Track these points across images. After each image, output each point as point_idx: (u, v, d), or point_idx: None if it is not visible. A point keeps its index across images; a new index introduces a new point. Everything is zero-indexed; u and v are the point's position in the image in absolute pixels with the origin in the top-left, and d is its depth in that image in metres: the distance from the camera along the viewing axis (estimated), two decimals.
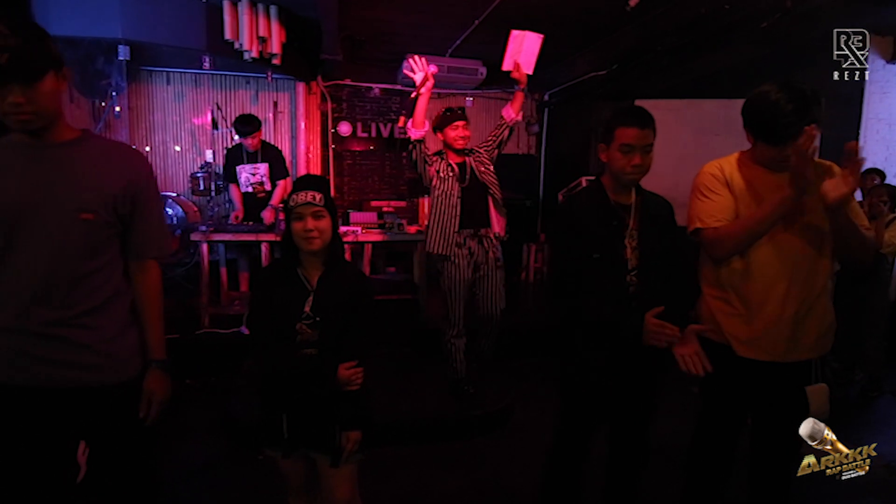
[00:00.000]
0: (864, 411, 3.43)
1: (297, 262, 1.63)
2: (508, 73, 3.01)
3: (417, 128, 2.85)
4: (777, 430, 1.73)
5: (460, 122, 2.91)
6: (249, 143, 4.22)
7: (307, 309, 1.58)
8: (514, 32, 2.96)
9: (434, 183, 2.93)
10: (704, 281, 1.79)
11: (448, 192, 2.90)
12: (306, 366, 1.57)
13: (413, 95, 2.87)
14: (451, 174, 2.91)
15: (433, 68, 2.87)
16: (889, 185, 3.74)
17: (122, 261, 1.43)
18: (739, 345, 1.67)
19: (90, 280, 1.33)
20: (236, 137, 5.44)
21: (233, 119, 5.58)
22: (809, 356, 1.67)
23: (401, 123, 2.99)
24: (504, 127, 3.05)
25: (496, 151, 3.09)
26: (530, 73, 3.00)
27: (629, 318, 1.61)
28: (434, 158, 2.96)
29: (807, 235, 1.62)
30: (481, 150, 3.06)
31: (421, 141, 2.88)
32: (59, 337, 1.30)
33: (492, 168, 3.04)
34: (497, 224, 3.03)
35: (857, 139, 4.72)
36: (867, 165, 4.48)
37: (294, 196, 1.57)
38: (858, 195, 4.04)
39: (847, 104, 4.67)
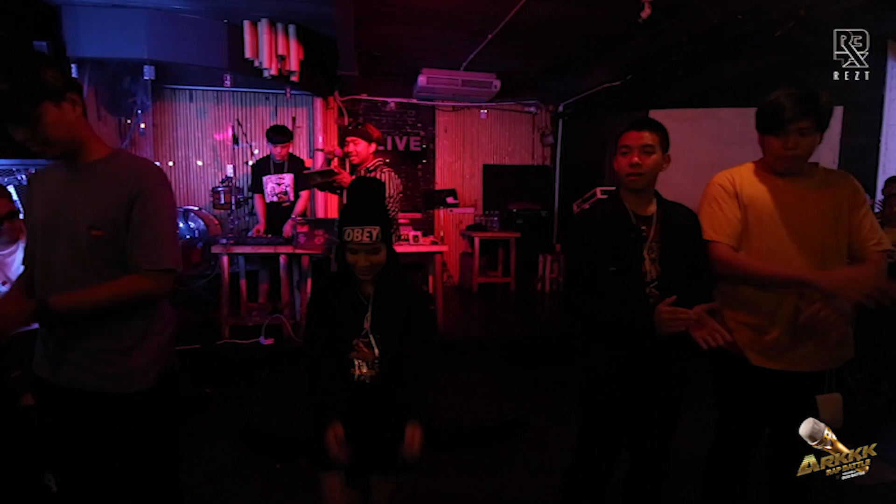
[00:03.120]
0: (890, 422, 3.34)
1: (353, 277, 1.57)
2: (522, 85, 3.20)
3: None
4: (793, 441, 1.71)
5: (349, 138, 3.21)
6: (279, 152, 4.37)
7: (366, 325, 1.55)
8: None
9: None
10: (716, 291, 1.79)
11: None
12: (369, 393, 1.53)
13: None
14: None
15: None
16: None
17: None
18: (753, 354, 1.67)
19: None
20: (256, 151, 5.63)
21: (253, 135, 5.76)
22: (825, 366, 1.65)
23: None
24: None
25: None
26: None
27: (640, 311, 1.58)
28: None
29: (818, 248, 1.63)
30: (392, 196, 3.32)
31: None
32: (77, 347, 1.38)
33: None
34: None
35: (878, 146, 4.65)
36: (890, 173, 4.41)
37: (349, 230, 1.50)
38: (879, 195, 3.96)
39: (866, 111, 4.61)
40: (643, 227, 1.68)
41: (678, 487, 2.11)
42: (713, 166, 1.92)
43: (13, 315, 1.29)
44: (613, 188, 1.85)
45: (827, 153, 4.67)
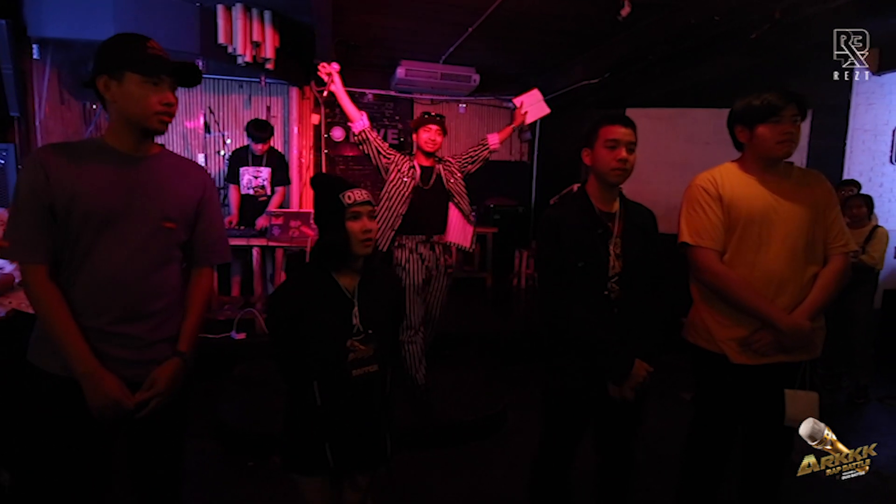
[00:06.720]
0: (851, 418, 3.46)
1: (333, 270, 1.48)
2: (501, 80, 3.12)
3: (354, 120, 2.91)
4: (765, 433, 1.76)
5: (433, 126, 2.91)
6: (258, 147, 4.29)
7: (356, 322, 1.45)
8: (535, 92, 3.43)
9: (391, 177, 2.90)
10: (696, 291, 1.81)
11: (400, 189, 2.87)
12: (365, 389, 1.46)
13: (325, 94, 2.99)
14: (411, 174, 2.88)
15: (335, 66, 2.88)
16: (864, 194, 3.81)
17: (183, 264, 1.50)
18: (733, 352, 1.69)
19: (164, 283, 1.41)
20: (229, 141, 5.48)
21: (225, 123, 5.60)
22: (798, 358, 1.69)
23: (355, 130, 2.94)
24: (485, 149, 3.17)
25: (469, 167, 3.16)
26: (527, 122, 3.43)
27: (617, 357, 1.64)
28: (394, 154, 2.95)
29: (798, 247, 1.66)
30: (453, 162, 3.10)
31: (365, 135, 2.92)
32: (130, 335, 1.36)
33: (460, 178, 3.08)
34: (459, 234, 3.06)
35: (843, 149, 4.81)
36: (854, 175, 4.57)
37: (348, 194, 1.43)
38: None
39: (834, 115, 4.75)
40: (609, 224, 1.71)
41: (655, 483, 2.13)
42: (688, 165, 1.95)
43: (174, 382, 1.41)
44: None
45: (796, 153, 4.81)
